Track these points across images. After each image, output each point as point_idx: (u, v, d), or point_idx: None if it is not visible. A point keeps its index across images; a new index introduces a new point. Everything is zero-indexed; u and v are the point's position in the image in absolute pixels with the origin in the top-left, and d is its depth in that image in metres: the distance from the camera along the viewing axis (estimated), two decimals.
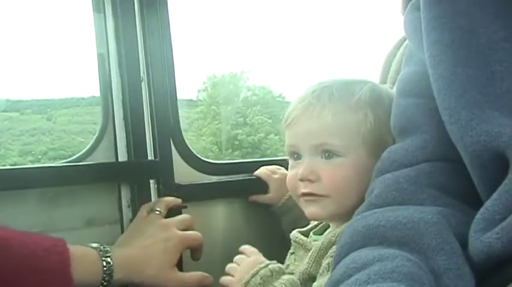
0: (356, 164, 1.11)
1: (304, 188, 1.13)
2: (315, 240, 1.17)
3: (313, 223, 1.25)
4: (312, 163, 1.13)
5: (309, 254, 1.12)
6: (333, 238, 1.09)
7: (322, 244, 1.10)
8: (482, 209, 0.71)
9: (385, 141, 1.10)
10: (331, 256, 1.03)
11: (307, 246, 1.16)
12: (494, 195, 0.70)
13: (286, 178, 1.20)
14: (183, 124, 1.49)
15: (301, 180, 1.13)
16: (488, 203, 0.71)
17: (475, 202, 0.76)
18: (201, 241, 1.28)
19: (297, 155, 1.17)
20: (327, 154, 1.12)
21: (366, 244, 0.77)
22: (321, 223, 1.23)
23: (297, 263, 1.17)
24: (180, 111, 1.46)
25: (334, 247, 1.06)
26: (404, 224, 0.75)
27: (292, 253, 1.21)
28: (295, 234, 1.22)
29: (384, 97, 1.16)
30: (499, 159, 0.71)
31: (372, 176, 0.96)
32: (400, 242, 0.74)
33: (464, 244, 0.73)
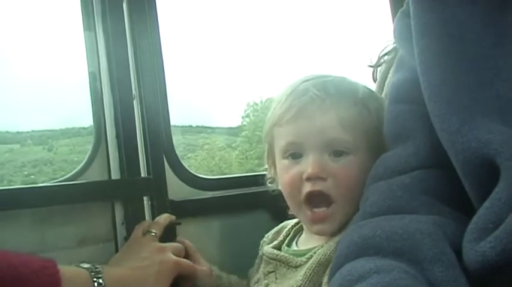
0: (362, 163, 1.05)
1: (312, 187, 1.05)
2: (297, 255, 1.10)
3: (274, 238, 1.23)
4: (321, 161, 1.05)
5: (302, 272, 1.05)
6: (330, 253, 1.03)
7: (320, 260, 1.04)
8: (475, 218, 0.71)
9: (384, 144, 1.05)
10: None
11: (290, 262, 1.09)
12: (486, 203, 0.70)
13: (284, 180, 1.11)
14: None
15: (309, 179, 1.05)
16: (480, 212, 0.70)
17: (469, 209, 0.76)
18: (194, 270, 1.26)
19: (297, 154, 1.09)
20: (335, 152, 1.06)
21: (362, 254, 0.76)
22: (287, 236, 1.20)
23: (279, 281, 1.11)
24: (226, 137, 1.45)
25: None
26: (400, 234, 0.75)
27: (271, 272, 1.14)
28: (271, 251, 1.15)
29: (377, 96, 1.15)
30: (489, 166, 0.70)
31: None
32: (396, 253, 0.73)
33: (459, 253, 0.72)
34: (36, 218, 1.25)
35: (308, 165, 1.06)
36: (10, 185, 1.72)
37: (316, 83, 1.08)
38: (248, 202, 1.47)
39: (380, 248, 0.75)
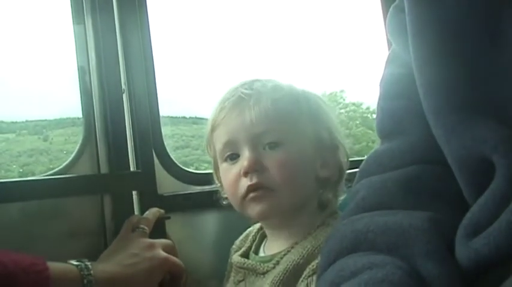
0: (300, 153, 1.09)
1: (250, 181, 1.07)
2: (263, 261, 1.11)
3: (242, 244, 1.23)
4: (256, 154, 1.07)
5: (270, 279, 1.05)
6: (301, 260, 1.03)
7: (287, 267, 1.03)
8: (468, 215, 0.70)
9: (321, 136, 1.11)
10: (309, 276, 1.00)
11: (257, 270, 1.10)
12: (481, 200, 0.69)
13: (226, 183, 1.13)
14: None
15: (247, 173, 1.07)
16: (474, 209, 0.70)
17: (463, 206, 0.75)
18: (183, 269, 1.25)
19: (234, 155, 1.11)
20: (269, 144, 1.08)
21: (355, 249, 0.75)
22: (253, 241, 1.20)
23: None
24: None
25: (309, 266, 1.01)
26: (394, 230, 0.74)
27: (241, 281, 1.14)
28: (239, 260, 1.16)
29: (308, 95, 1.16)
30: (485, 164, 0.69)
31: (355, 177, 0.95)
32: (389, 248, 0.72)
33: (453, 249, 0.71)
34: (26, 212, 1.26)
35: (244, 160, 1.08)
36: (7, 174, 1.73)
37: (244, 83, 1.12)
38: None
39: (373, 243, 0.74)
